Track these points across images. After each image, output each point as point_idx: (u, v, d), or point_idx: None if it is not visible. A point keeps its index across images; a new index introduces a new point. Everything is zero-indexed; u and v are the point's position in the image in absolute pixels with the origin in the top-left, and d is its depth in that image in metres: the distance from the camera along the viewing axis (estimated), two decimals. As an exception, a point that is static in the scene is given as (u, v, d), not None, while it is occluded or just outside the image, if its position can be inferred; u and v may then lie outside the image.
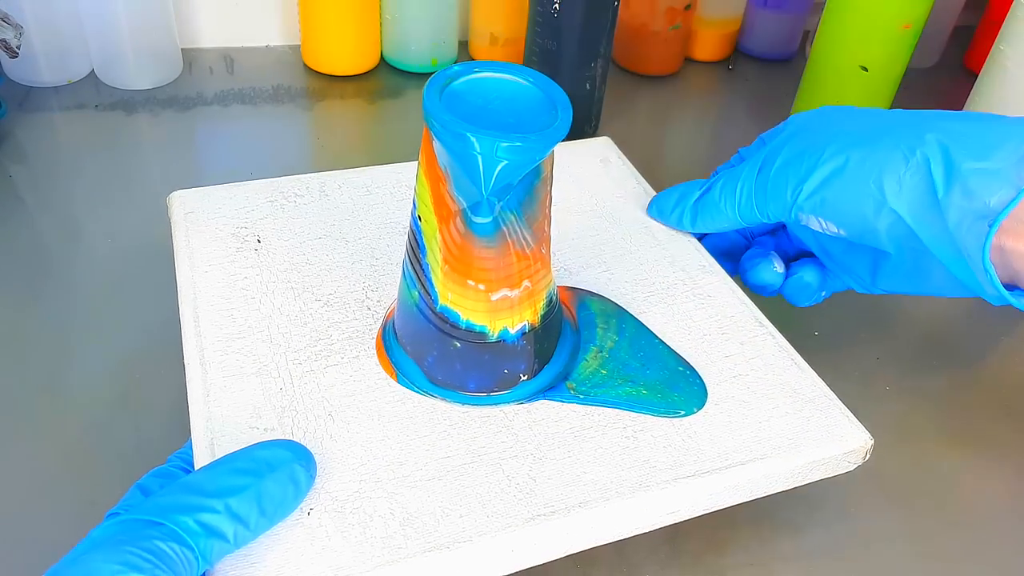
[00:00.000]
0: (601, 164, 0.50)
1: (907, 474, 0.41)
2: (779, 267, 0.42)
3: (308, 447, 0.33)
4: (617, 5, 0.57)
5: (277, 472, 0.29)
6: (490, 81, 0.32)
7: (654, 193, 0.47)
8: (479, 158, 0.29)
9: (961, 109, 0.56)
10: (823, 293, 0.43)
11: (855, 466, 0.35)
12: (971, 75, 0.77)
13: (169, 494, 0.27)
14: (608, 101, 0.65)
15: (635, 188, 0.48)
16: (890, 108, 0.58)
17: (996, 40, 0.53)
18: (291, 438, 0.33)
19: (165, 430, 0.39)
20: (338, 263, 0.42)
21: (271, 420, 0.34)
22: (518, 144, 0.29)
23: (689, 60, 0.76)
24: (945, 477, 0.41)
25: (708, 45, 0.75)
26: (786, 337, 0.47)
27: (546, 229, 0.34)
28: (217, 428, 0.34)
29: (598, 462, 0.33)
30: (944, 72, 0.78)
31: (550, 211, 0.34)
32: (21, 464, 0.37)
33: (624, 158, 0.50)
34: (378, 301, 0.40)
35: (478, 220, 0.31)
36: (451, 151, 0.30)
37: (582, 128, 0.62)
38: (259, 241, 0.42)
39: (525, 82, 0.32)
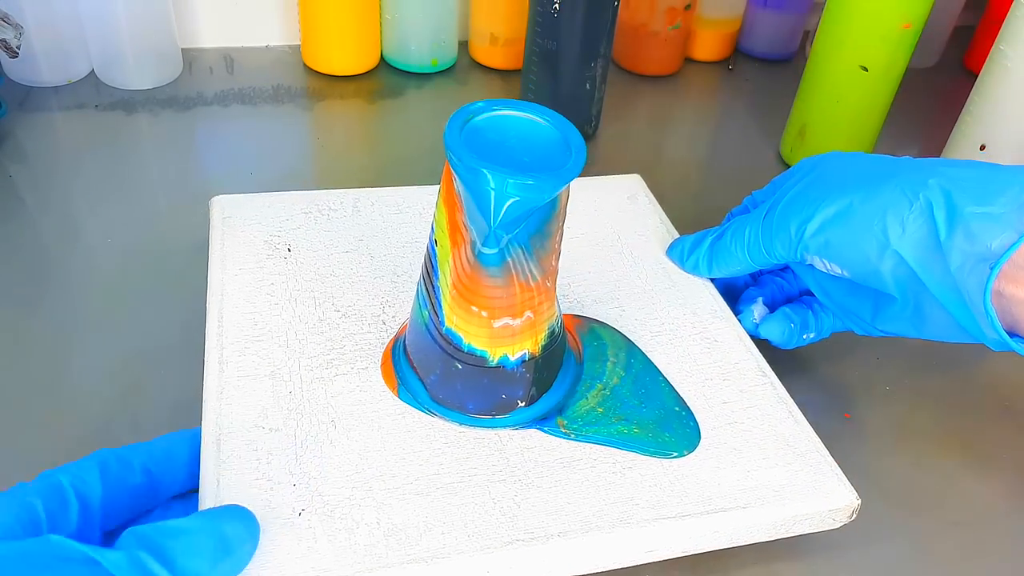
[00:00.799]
0: (628, 201, 0.50)
1: (907, 474, 0.41)
2: (757, 316, 0.43)
3: (309, 450, 0.34)
4: (617, 5, 0.57)
5: (234, 554, 0.28)
6: (510, 119, 0.33)
7: (677, 234, 0.48)
8: (490, 193, 0.30)
9: (961, 109, 0.56)
10: (808, 336, 0.43)
11: (840, 524, 0.35)
12: (971, 75, 0.77)
13: (140, 548, 0.25)
14: (608, 101, 0.65)
15: (658, 227, 0.49)
16: (890, 108, 0.58)
17: (996, 40, 0.53)
18: (293, 440, 0.35)
19: (165, 430, 0.39)
20: (361, 277, 0.43)
21: (277, 421, 0.35)
22: (528, 182, 0.30)
23: (689, 60, 0.76)
24: (945, 477, 0.41)
25: (708, 45, 0.75)
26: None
27: (553, 263, 0.35)
28: (225, 425, 0.35)
29: (583, 494, 0.34)
30: (944, 72, 0.78)
31: (560, 246, 0.35)
32: (21, 464, 0.37)
33: (651, 196, 0.51)
34: (393, 316, 0.41)
35: (485, 251, 0.32)
36: (465, 183, 0.31)
37: (582, 128, 0.62)
38: (289, 250, 0.44)
39: (543, 121, 0.33)
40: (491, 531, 0.32)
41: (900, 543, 0.38)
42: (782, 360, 0.46)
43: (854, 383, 0.45)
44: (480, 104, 0.33)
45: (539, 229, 0.33)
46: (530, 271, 0.33)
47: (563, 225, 0.34)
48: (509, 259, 0.32)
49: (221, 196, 0.47)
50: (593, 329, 0.42)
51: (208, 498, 0.33)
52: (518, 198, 0.30)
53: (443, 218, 0.34)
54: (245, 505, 0.31)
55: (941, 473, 0.41)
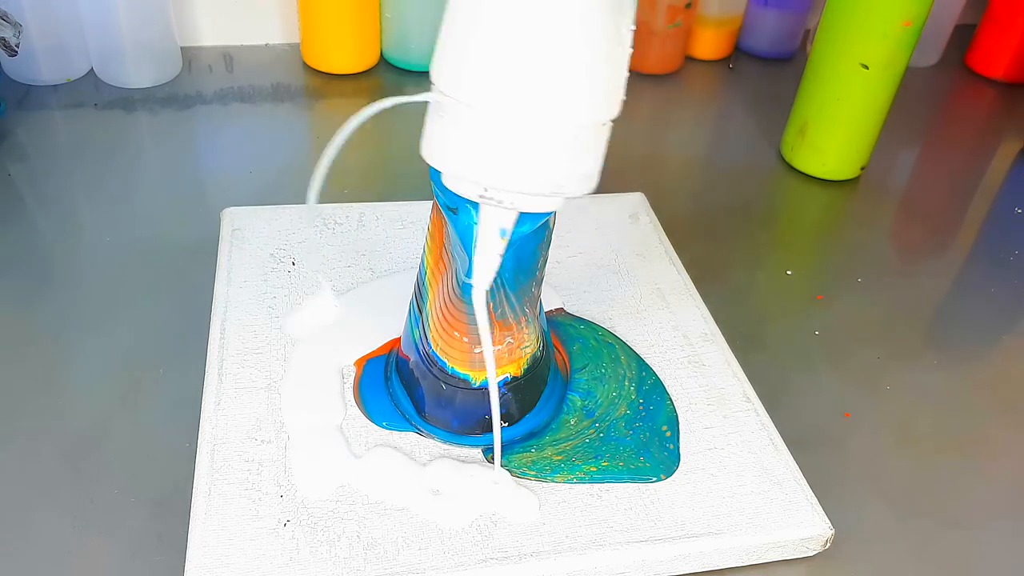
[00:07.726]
0: (630, 220, 0.51)
1: (907, 474, 0.41)
2: None
3: (297, 462, 0.35)
4: (617, 3, 0.57)
5: None
6: None
7: (676, 255, 0.48)
8: (468, 225, 0.31)
9: (962, 109, 0.56)
10: None
11: (814, 552, 0.36)
12: (972, 74, 0.77)
13: None
14: (608, 100, 0.65)
15: (656, 247, 0.49)
16: (891, 106, 0.58)
17: None
18: (284, 452, 0.36)
19: (165, 430, 0.39)
20: (359, 292, 0.44)
21: (269, 434, 0.37)
22: None
23: (689, 59, 0.76)
24: (945, 477, 0.41)
25: (708, 43, 0.75)
26: (786, 336, 0.47)
27: (534, 290, 0.35)
28: (220, 435, 0.36)
29: (559, 515, 0.35)
30: (945, 71, 0.78)
31: (543, 272, 0.36)
32: (21, 464, 0.37)
33: (653, 216, 0.51)
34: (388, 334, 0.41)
35: (465, 280, 0.33)
36: (447, 215, 0.32)
37: (582, 127, 0.62)
38: (293, 264, 0.45)
39: None
40: (467, 548, 0.33)
41: (900, 543, 0.38)
42: (782, 360, 0.46)
43: (854, 383, 0.45)
44: None
45: (522, 257, 0.33)
46: (510, 298, 0.34)
47: (547, 252, 0.35)
48: (490, 288, 0.33)
49: (232, 208, 0.48)
50: (597, 336, 0.42)
51: (199, 506, 0.33)
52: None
53: (434, 244, 0.34)
54: (233, 515, 0.32)
55: (941, 473, 0.41)
